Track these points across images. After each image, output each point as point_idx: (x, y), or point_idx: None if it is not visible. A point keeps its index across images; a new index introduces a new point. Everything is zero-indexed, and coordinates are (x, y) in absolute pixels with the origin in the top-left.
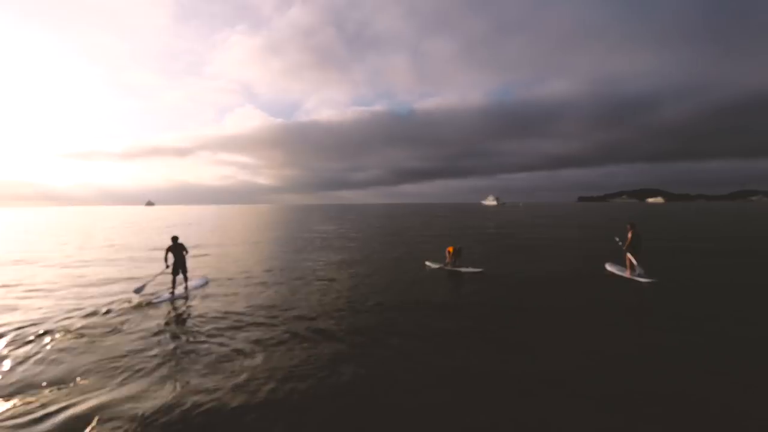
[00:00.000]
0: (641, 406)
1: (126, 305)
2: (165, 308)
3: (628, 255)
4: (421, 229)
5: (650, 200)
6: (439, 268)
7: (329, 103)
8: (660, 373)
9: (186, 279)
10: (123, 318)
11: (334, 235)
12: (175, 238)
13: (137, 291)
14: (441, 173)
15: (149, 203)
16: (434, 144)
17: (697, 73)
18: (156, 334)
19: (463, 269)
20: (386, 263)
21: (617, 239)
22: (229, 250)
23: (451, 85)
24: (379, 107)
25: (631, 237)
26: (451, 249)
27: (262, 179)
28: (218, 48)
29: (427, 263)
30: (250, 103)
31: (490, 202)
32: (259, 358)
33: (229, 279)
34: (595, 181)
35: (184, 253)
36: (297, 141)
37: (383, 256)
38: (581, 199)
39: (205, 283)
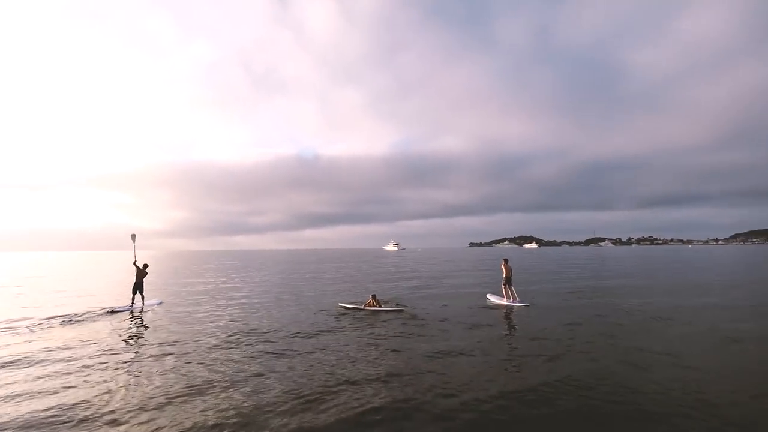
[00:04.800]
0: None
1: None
2: (123, 315)
3: (505, 286)
4: (329, 277)
5: (527, 246)
6: (354, 308)
7: (229, 142)
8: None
9: (143, 297)
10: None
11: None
12: (145, 266)
13: (111, 311)
14: (344, 219)
15: None
16: (338, 189)
17: (561, 139)
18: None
19: (385, 308)
20: (299, 303)
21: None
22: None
23: (357, 134)
24: (283, 150)
25: (506, 270)
26: (370, 302)
27: (143, 221)
28: (90, 70)
29: (341, 304)
30: (132, 136)
31: (391, 247)
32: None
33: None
34: (482, 229)
35: (144, 276)
36: (188, 180)
37: (292, 298)
38: (471, 244)
39: (160, 303)
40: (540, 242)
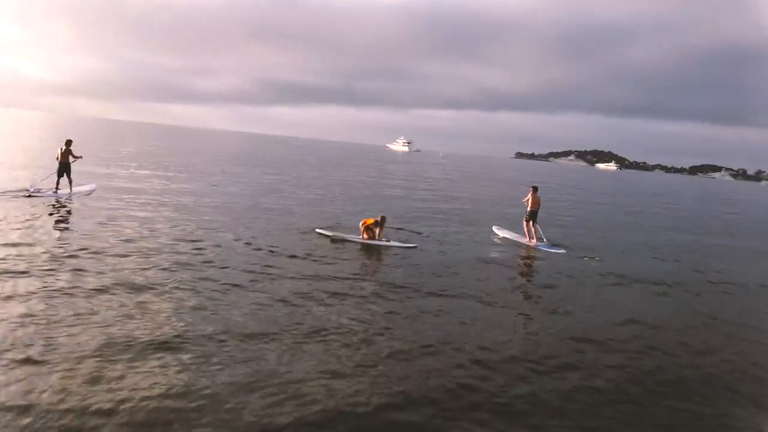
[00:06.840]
0: None
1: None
2: (44, 202)
3: (528, 222)
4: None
5: (601, 166)
6: (344, 240)
7: None
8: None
9: (70, 182)
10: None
11: None
12: (68, 142)
13: (29, 195)
14: (334, 96)
15: None
16: (329, 49)
17: (681, 9)
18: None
19: (393, 244)
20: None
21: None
22: None
23: None
24: None
25: (533, 203)
26: (369, 221)
27: (32, 67)
28: None
29: (319, 230)
30: None
31: (400, 147)
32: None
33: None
34: (539, 133)
35: (72, 158)
36: (100, 12)
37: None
38: (519, 155)
39: (93, 190)
40: (622, 162)
